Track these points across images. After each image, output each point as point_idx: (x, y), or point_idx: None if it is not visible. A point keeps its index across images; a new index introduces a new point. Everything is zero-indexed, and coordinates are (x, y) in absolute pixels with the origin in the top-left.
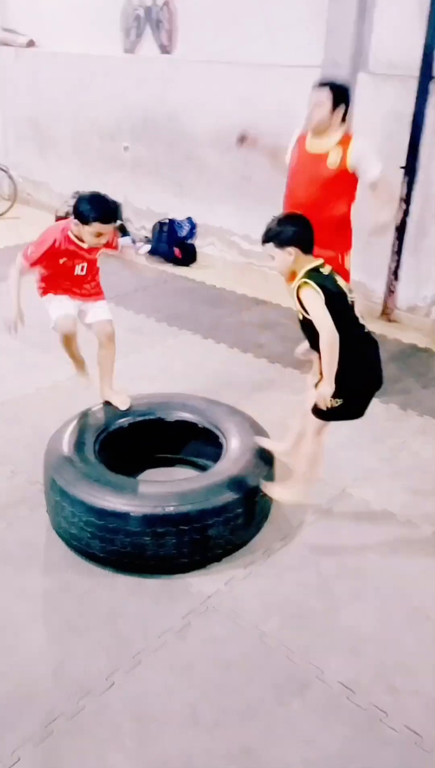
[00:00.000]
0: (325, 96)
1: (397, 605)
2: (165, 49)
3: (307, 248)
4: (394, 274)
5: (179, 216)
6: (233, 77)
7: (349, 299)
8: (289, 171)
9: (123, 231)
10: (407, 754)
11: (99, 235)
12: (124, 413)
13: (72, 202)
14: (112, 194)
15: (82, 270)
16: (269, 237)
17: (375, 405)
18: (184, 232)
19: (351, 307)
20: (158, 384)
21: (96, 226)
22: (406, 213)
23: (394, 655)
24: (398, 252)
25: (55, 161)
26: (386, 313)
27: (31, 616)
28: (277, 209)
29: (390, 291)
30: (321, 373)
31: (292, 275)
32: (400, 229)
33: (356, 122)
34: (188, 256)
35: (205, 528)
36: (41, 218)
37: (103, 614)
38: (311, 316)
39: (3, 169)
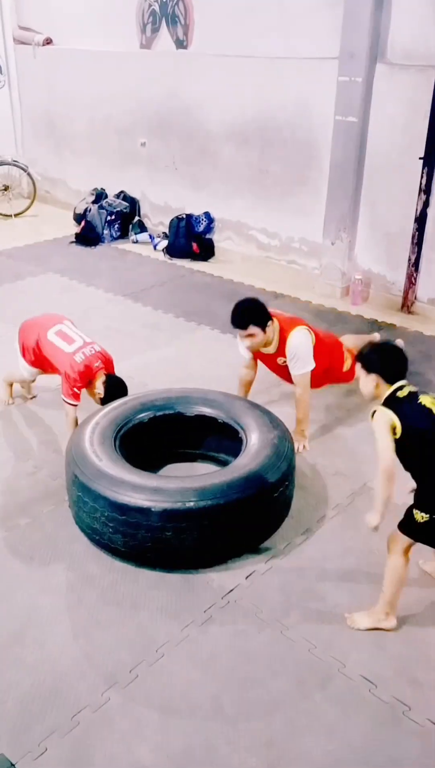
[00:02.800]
0: (252, 330)
1: (420, 599)
2: (181, 44)
3: (391, 378)
4: (415, 265)
5: (196, 211)
6: (249, 70)
7: None
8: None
9: (141, 227)
10: (430, 748)
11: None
12: (144, 408)
13: (90, 199)
14: (129, 190)
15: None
16: (359, 358)
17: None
18: (201, 227)
19: None
20: (176, 379)
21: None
22: (426, 204)
23: (417, 649)
24: (418, 243)
25: (72, 158)
26: (407, 305)
27: (56, 609)
28: (295, 202)
29: (410, 283)
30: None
31: (376, 398)
32: (420, 220)
33: (374, 113)
34: (206, 251)
35: (226, 523)
36: (59, 216)
37: (126, 608)
38: (375, 441)
39: (22, 168)
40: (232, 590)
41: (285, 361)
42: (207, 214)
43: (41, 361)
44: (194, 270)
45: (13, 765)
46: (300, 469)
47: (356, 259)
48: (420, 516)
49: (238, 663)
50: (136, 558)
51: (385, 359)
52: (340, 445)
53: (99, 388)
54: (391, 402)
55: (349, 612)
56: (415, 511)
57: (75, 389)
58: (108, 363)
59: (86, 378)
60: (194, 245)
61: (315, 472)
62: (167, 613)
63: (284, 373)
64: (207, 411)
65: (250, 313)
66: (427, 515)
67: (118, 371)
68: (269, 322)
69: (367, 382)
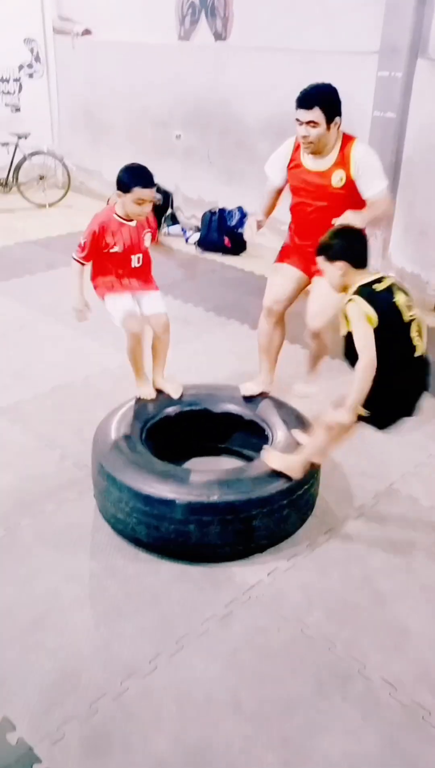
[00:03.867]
0: (316, 116)
1: None
2: (219, 36)
3: (358, 263)
4: None
5: (230, 205)
6: (287, 64)
7: (407, 316)
8: (290, 188)
9: (173, 220)
10: None
11: (141, 202)
12: (172, 403)
13: None
14: (163, 182)
15: (138, 262)
16: (319, 251)
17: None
18: (234, 221)
19: (407, 325)
20: (205, 374)
21: (137, 192)
22: None
23: None
24: None
25: (107, 150)
26: None
27: (79, 598)
28: None
29: None
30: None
31: (345, 290)
32: None
33: (413, 109)
34: (238, 246)
35: (250, 518)
36: (94, 207)
37: (148, 599)
38: (354, 335)
39: (58, 158)
40: (253, 586)
41: (343, 179)
42: (240, 209)
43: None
44: (226, 264)
45: (31, 749)
46: (325, 468)
47: (390, 258)
48: (362, 411)
49: (258, 659)
50: (160, 550)
51: (349, 243)
52: (366, 445)
53: (118, 204)
54: (367, 292)
55: None
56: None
57: (85, 242)
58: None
59: (98, 221)
60: (226, 239)
61: (340, 471)
62: (188, 606)
63: (333, 203)
64: (233, 408)
65: (322, 94)
66: (368, 412)
67: (147, 364)
68: (337, 119)
69: (333, 271)
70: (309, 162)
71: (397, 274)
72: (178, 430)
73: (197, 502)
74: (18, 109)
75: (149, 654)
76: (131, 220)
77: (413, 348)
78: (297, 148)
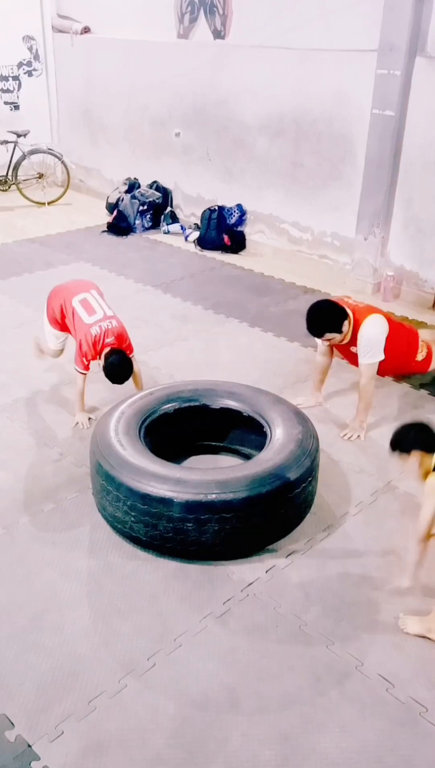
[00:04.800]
0: (329, 336)
1: None
2: (219, 35)
3: (429, 449)
4: None
5: (229, 203)
6: (286, 62)
7: None
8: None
9: (173, 218)
10: None
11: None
12: (170, 399)
13: (123, 189)
14: (162, 180)
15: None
16: (393, 448)
17: (424, 397)
18: (233, 219)
19: None
20: (203, 371)
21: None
22: None
23: None
24: None
25: (106, 148)
26: None
27: (77, 595)
28: (328, 197)
29: None
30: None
31: (426, 475)
32: None
33: (412, 107)
34: (237, 244)
35: (248, 516)
36: (92, 205)
37: (146, 597)
38: (423, 505)
39: (57, 156)
40: (251, 584)
41: (357, 350)
42: (239, 207)
43: (63, 326)
44: (225, 262)
45: (29, 746)
46: (324, 466)
47: (389, 256)
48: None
49: (255, 656)
50: (158, 548)
51: (418, 434)
52: (365, 442)
53: (103, 361)
54: None
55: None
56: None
57: (84, 359)
58: (121, 340)
59: (96, 350)
60: (225, 237)
61: (339, 469)
62: (186, 604)
63: (356, 360)
64: (232, 404)
65: (324, 321)
66: None
67: (146, 361)
68: (345, 321)
69: (411, 463)
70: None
71: (395, 271)
72: (177, 427)
73: (195, 500)
74: (17, 107)
75: (147, 651)
76: None
77: None
78: None
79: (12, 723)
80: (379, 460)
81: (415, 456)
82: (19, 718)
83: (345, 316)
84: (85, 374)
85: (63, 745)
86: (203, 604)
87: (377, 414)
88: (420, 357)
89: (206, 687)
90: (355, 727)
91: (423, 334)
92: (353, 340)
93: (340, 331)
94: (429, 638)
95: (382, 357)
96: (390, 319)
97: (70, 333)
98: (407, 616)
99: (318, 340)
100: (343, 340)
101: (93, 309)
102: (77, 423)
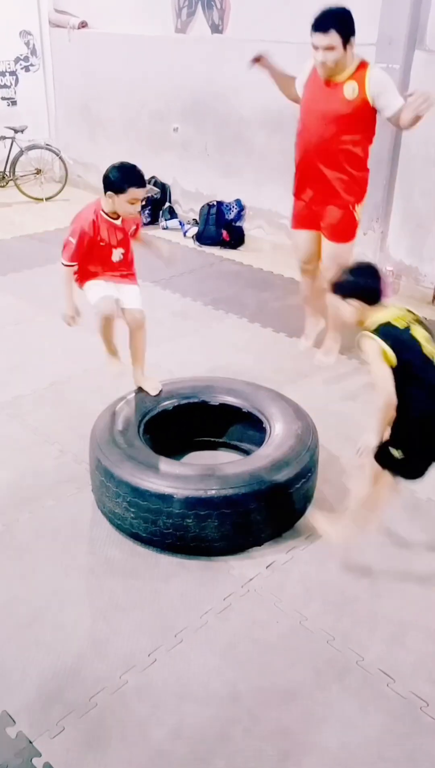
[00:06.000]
0: (334, 39)
1: None
2: (216, 29)
3: (372, 299)
4: None
5: (228, 198)
6: (285, 56)
7: (428, 352)
8: (301, 105)
9: (171, 213)
10: None
11: (133, 201)
12: (169, 396)
13: None
14: (160, 176)
15: (120, 256)
16: (333, 288)
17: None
18: (232, 215)
19: (429, 361)
20: (203, 367)
21: (131, 192)
22: None
23: None
24: None
25: (104, 143)
26: None
27: (77, 592)
28: None
29: None
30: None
31: (360, 324)
32: None
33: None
34: (236, 239)
35: (247, 512)
36: (91, 200)
37: (146, 593)
38: (370, 372)
39: (54, 151)
40: (252, 579)
41: (355, 91)
42: (238, 202)
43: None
44: (224, 258)
45: (30, 742)
46: (323, 461)
47: (388, 251)
48: (397, 453)
49: (256, 652)
50: (158, 544)
51: (362, 279)
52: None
53: (106, 203)
54: (384, 330)
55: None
56: (391, 449)
57: (71, 243)
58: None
59: (81, 222)
60: (224, 233)
61: (339, 464)
62: (187, 600)
63: (341, 119)
64: (231, 400)
65: (338, 17)
66: (400, 454)
67: (145, 357)
68: (352, 39)
69: (347, 308)
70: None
71: (395, 266)
72: (176, 423)
73: (195, 496)
74: (14, 103)
75: (148, 648)
76: (118, 218)
77: None
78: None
79: (13, 719)
80: None
81: (353, 304)
82: (20, 714)
83: (354, 34)
84: (71, 266)
85: (64, 741)
86: (204, 599)
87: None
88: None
89: (207, 682)
90: (357, 721)
91: None
92: (357, 77)
93: (346, 40)
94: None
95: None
96: None
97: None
98: (317, 511)
99: (304, 70)
100: (339, 71)
101: None
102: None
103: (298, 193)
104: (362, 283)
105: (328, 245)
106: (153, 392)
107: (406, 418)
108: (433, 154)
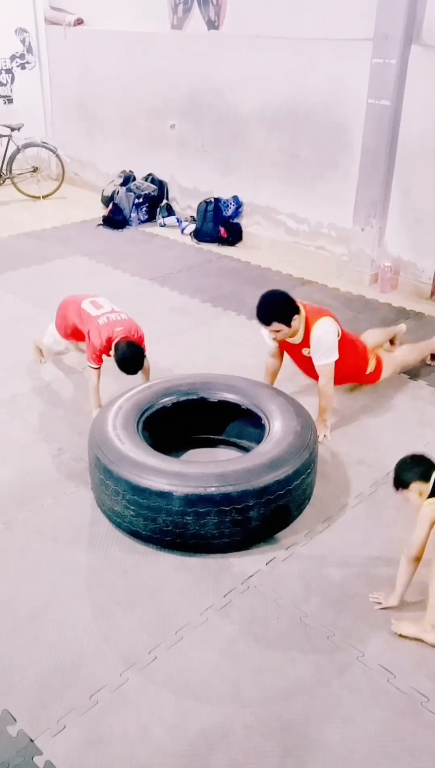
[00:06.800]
0: (276, 327)
1: None
2: (213, 25)
3: (425, 478)
4: None
5: (225, 195)
6: (281, 52)
7: None
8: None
9: (169, 210)
10: None
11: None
12: (167, 393)
13: (118, 182)
14: (158, 173)
15: None
16: (396, 485)
17: (422, 388)
18: (229, 212)
19: None
20: (201, 365)
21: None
22: None
23: None
24: None
25: (101, 140)
26: None
27: (77, 590)
28: (325, 187)
29: None
30: None
31: (421, 495)
32: None
33: (408, 96)
34: (234, 236)
35: (247, 509)
36: (88, 198)
37: (147, 591)
38: (415, 529)
39: (51, 149)
40: (251, 576)
41: (310, 352)
42: (235, 199)
43: (74, 332)
44: (221, 255)
45: (32, 741)
46: (322, 458)
47: (386, 246)
48: None
49: (256, 648)
50: (157, 542)
51: (414, 466)
52: (363, 434)
53: (112, 352)
54: None
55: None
56: None
57: (95, 353)
58: (130, 330)
59: (106, 340)
60: (222, 230)
61: (337, 460)
62: (187, 597)
63: (309, 365)
64: (230, 397)
65: (273, 309)
66: None
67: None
68: (295, 316)
69: (412, 495)
70: (288, 339)
71: (393, 262)
72: (175, 420)
73: (194, 493)
74: (11, 101)
75: (148, 645)
76: None
77: None
78: None
79: (14, 718)
80: (378, 452)
81: (416, 487)
82: (21, 712)
83: (296, 310)
84: (97, 368)
85: (65, 739)
86: (204, 596)
87: (375, 405)
88: (369, 369)
89: (208, 679)
90: (357, 717)
91: (369, 338)
92: (305, 341)
93: (288, 324)
94: (422, 640)
95: (336, 356)
96: (341, 325)
97: (83, 339)
98: (400, 620)
99: (267, 339)
100: (292, 336)
101: (100, 305)
102: None
103: None
104: (416, 468)
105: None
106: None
107: None
108: (430, 150)
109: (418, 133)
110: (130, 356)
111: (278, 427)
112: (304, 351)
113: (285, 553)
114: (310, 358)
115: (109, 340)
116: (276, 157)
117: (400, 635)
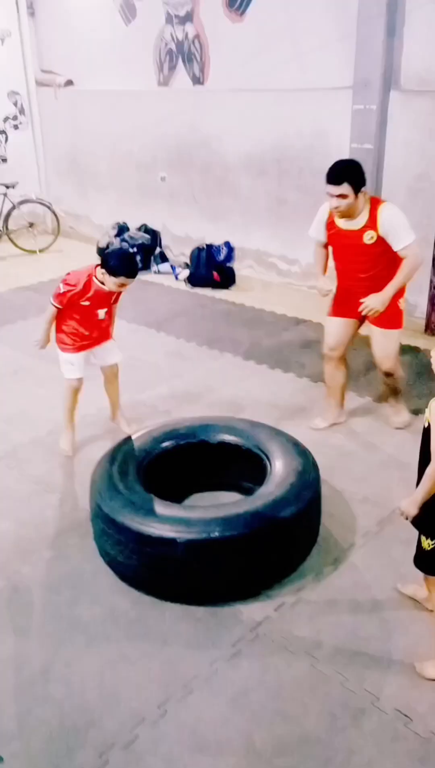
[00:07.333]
0: (345, 189)
1: None
2: (197, 80)
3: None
4: None
5: (217, 241)
6: (264, 103)
7: None
8: (332, 251)
9: (162, 258)
10: None
11: (122, 285)
12: (167, 437)
13: (112, 233)
14: (151, 223)
15: (104, 315)
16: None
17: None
18: (221, 256)
19: None
20: (201, 407)
21: (122, 279)
22: None
23: None
24: None
25: (94, 194)
26: (431, 328)
27: (83, 645)
28: None
29: (433, 306)
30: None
31: None
32: None
33: (389, 139)
34: (227, 279)
35: (252, 553)
36: (83, 250)
37: (154, 642)
38: (432, 434)
39: (46, 205)
40: (260, 623)
41: (374, 237)
42: (227, 243)
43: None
44: (216, 298)
45: None
46: (326, 496)
47: None
48: (427, 543)
49: (269, 697)
50: (162, 590)
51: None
52: (367, 470)
53: (100, 273)
54: None
55: (418, 661)
56: (422, 538)
57: (60, 291)
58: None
59: (77, 278)
60: (215, 274)
61: (342, 498)
62: (195, 648)
63: (367, 257)
64: (231, 439)
65: (348, 170)
66: (433, 542)
67: (143, 400)
68: (363, 189)
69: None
70: (343, 224)
71: None
72: (176, 465)
73: (198, 539)
74: (5, 160)
75: (158, 699)
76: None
77: None
78: (332, 213)
79: None
80: (382, 488)
81: None
82: None
83: (364, 183)
84: (58, 308)
85: None
86: (213, 646)
87: (377, 441)
88: (402, 302)
89: (221, 733)
90: (376, 764)
91: None
92: (371, 224)
93: (356, 193)
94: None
95: (414, 235)
96: None
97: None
98: (423, 661)
99: (315, 227)
100: (352, 215)
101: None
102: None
103: (339, 284)
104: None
105: (376, 333)
106: (127, 430)
107: None
108: (414, 190)
109: (401, 174)
110: (122, 252)
111: (280, 467)
112: (366, 236)
113: (293, 598)
114: (371, 247)
115: (82, 276)
116: (264, 203)
117: (426, 678)
